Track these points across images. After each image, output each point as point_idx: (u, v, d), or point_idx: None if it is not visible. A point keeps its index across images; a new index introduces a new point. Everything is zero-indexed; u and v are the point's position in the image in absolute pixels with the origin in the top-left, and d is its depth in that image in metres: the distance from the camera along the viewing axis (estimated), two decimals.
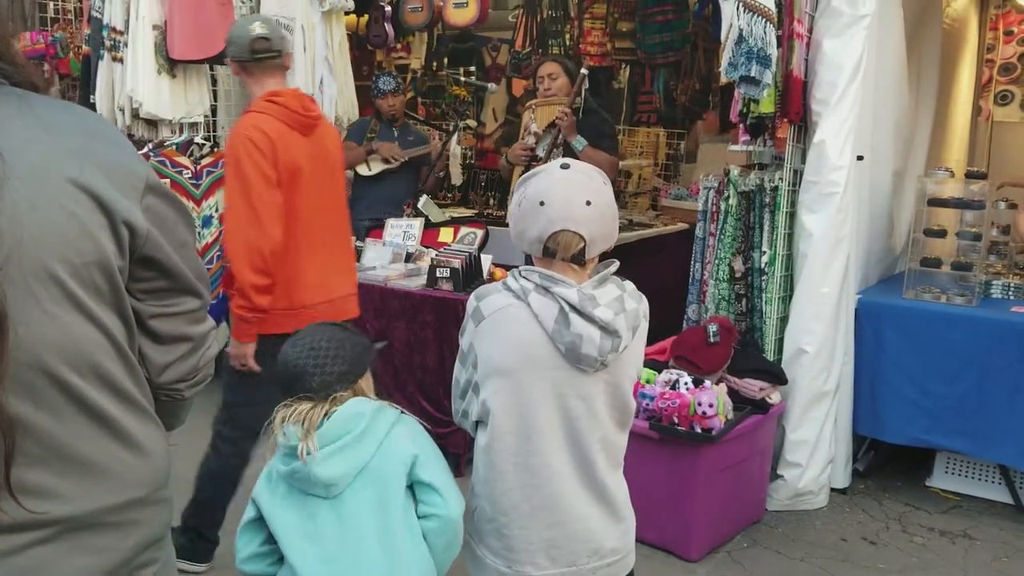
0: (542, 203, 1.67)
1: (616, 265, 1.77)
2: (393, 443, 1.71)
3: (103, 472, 1.17)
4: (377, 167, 4.99)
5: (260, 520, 1.76)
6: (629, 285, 1.76)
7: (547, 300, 1.67)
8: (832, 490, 3.82)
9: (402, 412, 1.80)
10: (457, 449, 3.82)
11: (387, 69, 6.72)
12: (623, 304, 1.69)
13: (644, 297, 1.78)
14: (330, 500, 1.68)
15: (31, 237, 1.07)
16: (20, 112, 1.12)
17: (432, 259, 4.29)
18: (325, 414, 1.72)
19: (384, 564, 1.68)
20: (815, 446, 3.68)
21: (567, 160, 1.76)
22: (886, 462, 4.11)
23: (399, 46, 7.01)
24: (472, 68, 6.88)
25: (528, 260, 1.83)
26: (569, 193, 1.68)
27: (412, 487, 1.74)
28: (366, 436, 1.70)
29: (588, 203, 1.68)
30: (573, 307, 1.65)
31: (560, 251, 1.68)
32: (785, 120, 3.74)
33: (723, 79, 3.79)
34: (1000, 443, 3.59)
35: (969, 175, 4.12)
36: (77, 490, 1.14)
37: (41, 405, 1.11)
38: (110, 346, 1.17)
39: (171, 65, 4.66)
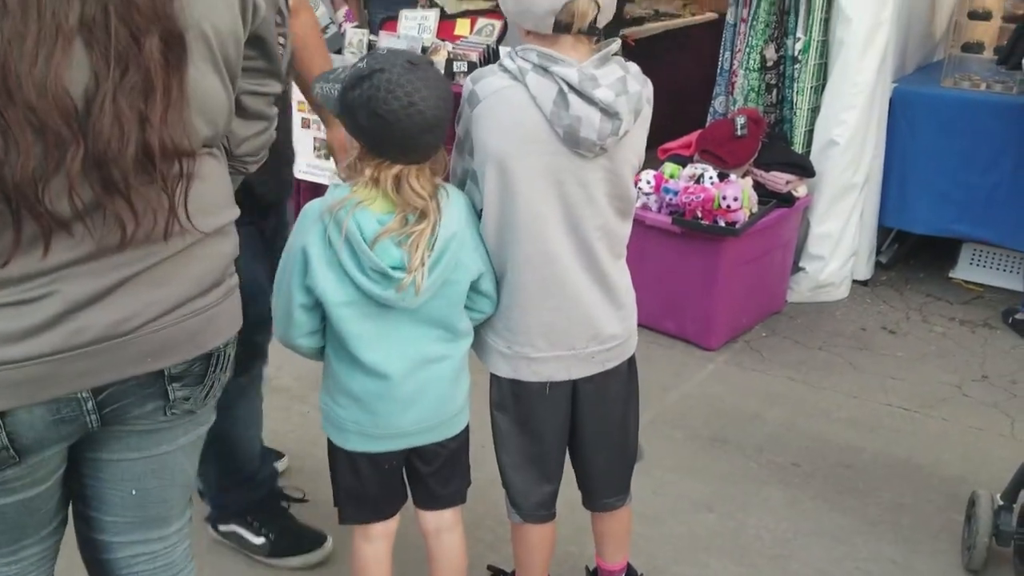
0: None
1: (618, 43, 1.66)
2: (465, 258, 1.65)
3: (228, 198, 1.37)
4: None
5: (317, 305, 1.63)
6: (633, 66, 1.66)
7: (545, 80, 1.58)
8: (854, 282, 3.84)
9: (456, 195, 1.68)
10: None
11: None
12: (625, 85, 1.60)
13: (649, 81, 1.68)
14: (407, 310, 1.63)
15: (190, 2, 1.16)
16: None
17: (448, 52, 4.12)
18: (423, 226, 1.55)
19: (442, 350, 1.70)
20: (839, 239, 3.66)
21: None
22: (910, 255, 4.10)
23: None
24: None
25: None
26: None
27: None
28: (455, 256, 1.62)
29: None
30: (572, 87, 1.56)
31: (576, 21, 1.57)
32: None
33: None
34: None
35: None
36: (223, 211, 1.34)
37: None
38: (229, 114, 1.30)
39: None
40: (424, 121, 1.52)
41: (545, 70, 1.58)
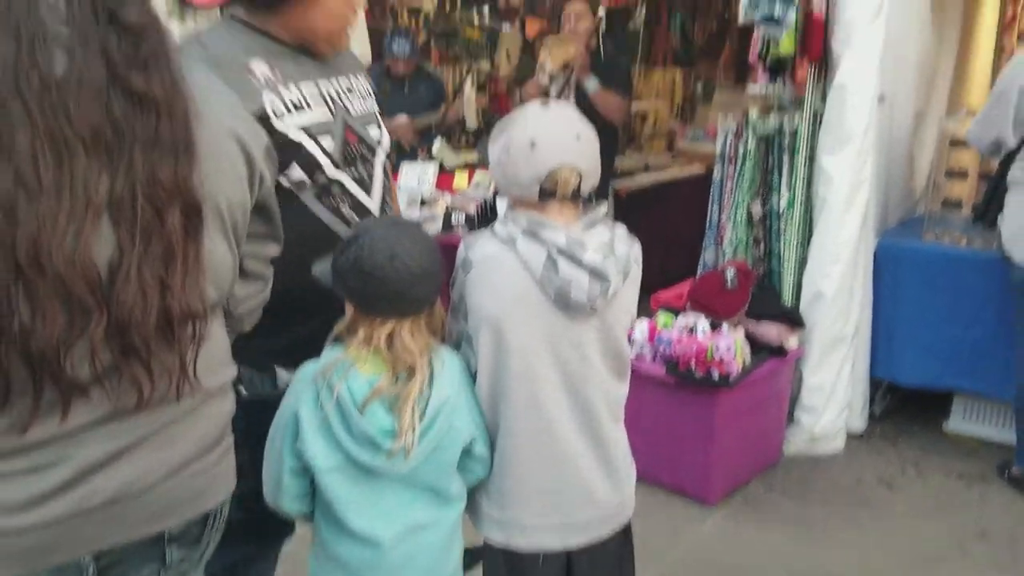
0: (533, 144, 1.64)
1: (605, 208, 1.75)
2: (458, 422, 1.65)
3: (228, 356, 1.41)
4: None
5: (305, 469, 1.61)
6: (620, 228, 1.73)
7: (535, 245, 1.64)
8: (848, 434, 3.82)
9: (451, 359, 1.69)
10: None
11: (401, 25, 6.53)
12: (613, 247, 1.67)
13: (637, 241, 1.75)
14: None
15: (206, 175, 1.21)
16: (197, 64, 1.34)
17: (447, 205, 4.26)
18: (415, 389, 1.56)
19: (432, 515, 1.67)
20: (832, 390, 3.68)
21: (542, 100, 1.74)
22: (902, 406, 4.11)
23: None
24: (486, 9, 6.76)
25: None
26: (558, 129, 1.67)
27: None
28: (447, 421, 1.61)
29: (578, 137, 1.68)
30: (561, 251, 1.62)
31: (560, 189, 1.65)
32: (805, 60, 3.66)
33: (742, 19, 3.70)
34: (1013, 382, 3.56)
35: None
36: (225, 369, 1.38)
37: None
38: (234, 277, 1.36)
39: (182, 10, 4.59)
40: (409, 273, 1.55)
41: (534, 235, 1.64)
